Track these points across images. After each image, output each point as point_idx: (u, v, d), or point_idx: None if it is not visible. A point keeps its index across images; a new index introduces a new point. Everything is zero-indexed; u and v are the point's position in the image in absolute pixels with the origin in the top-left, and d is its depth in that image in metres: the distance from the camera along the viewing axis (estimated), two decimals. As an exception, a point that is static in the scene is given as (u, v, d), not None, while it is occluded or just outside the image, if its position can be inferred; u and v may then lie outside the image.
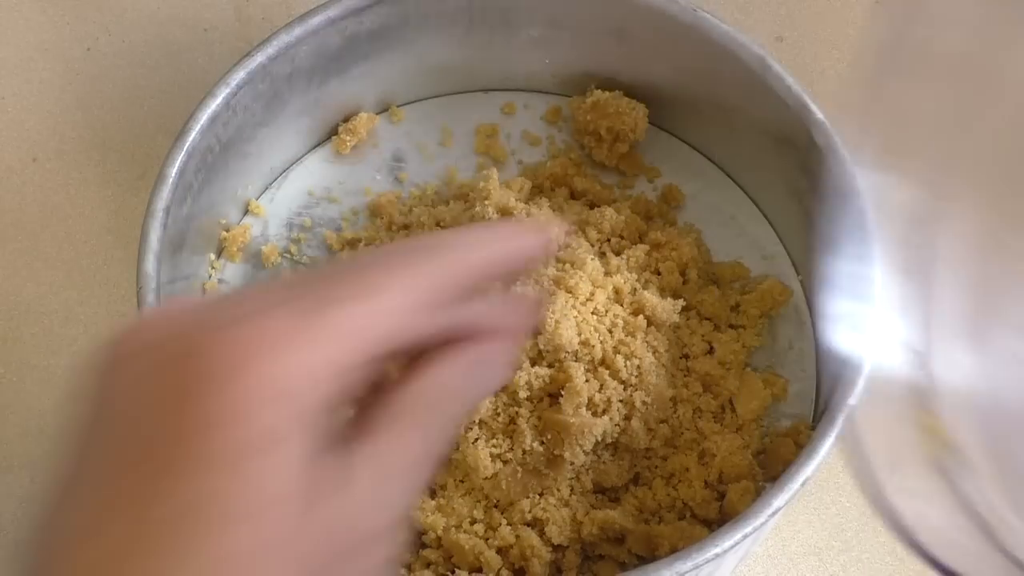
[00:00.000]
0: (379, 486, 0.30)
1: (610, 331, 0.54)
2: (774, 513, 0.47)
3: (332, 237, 0.61)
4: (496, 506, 0.53)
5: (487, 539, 0.52)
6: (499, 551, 0.52)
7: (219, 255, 0.61)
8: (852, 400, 0.49)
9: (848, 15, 0.73)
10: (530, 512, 0.53)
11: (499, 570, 0.52)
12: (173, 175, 0.54)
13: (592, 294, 0.54)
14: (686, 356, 0.57)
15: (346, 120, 0.64)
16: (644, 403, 0.54)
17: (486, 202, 0.56)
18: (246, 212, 0.62)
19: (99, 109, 0.69)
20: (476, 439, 0.52)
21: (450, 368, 0.33)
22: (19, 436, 0.61)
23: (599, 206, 0.61)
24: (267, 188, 0.63)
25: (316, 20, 0.57)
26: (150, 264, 0.52)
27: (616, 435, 0.54)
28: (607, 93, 0.63)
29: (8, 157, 0.68)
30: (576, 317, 0.53)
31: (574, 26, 0.62)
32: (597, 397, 0.53)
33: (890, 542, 0.60)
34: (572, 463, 0.53)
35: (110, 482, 0.28)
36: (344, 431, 0.30)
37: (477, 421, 0.52)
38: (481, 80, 0.65)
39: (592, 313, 0.54)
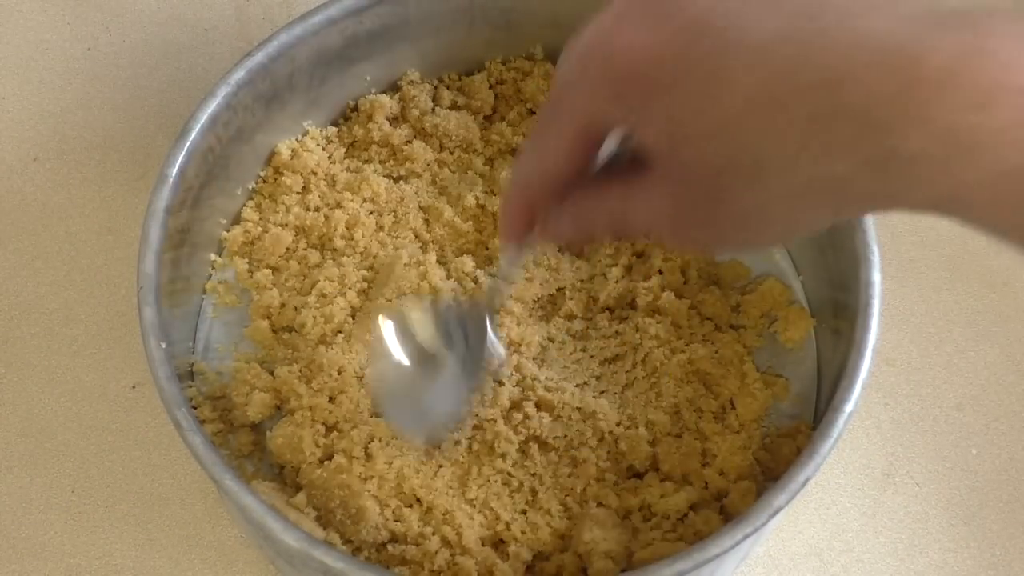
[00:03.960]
0: None
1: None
2: (775, 513, 0.47)
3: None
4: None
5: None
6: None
7: (219, 255, 0.61)
8: (852, 401, 0.49)
9: (848, 15, 0.73)
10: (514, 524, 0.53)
11: None
12: (173, 175, 0.54)
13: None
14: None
15: (346, 120, 0.64)
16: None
17: None
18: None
19: (99, 109, 0.69)
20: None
21: None
22: (19, 436, 0.61)
23: None
24: (267, 188, 0.63)
25: (316, 20, 0.58)
26: (150, 264, 0.52)
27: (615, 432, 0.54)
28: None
29: (8, 157, 0.68)
30: None
31: (574, 26, 0.61)
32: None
33: (891, 542, 0.60)
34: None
35: None
36: None
37: None
38: (481, 80, 0.66)
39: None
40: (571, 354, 0.57)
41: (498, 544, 0.53)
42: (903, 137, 0.30)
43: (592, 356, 0.57)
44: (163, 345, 0.50)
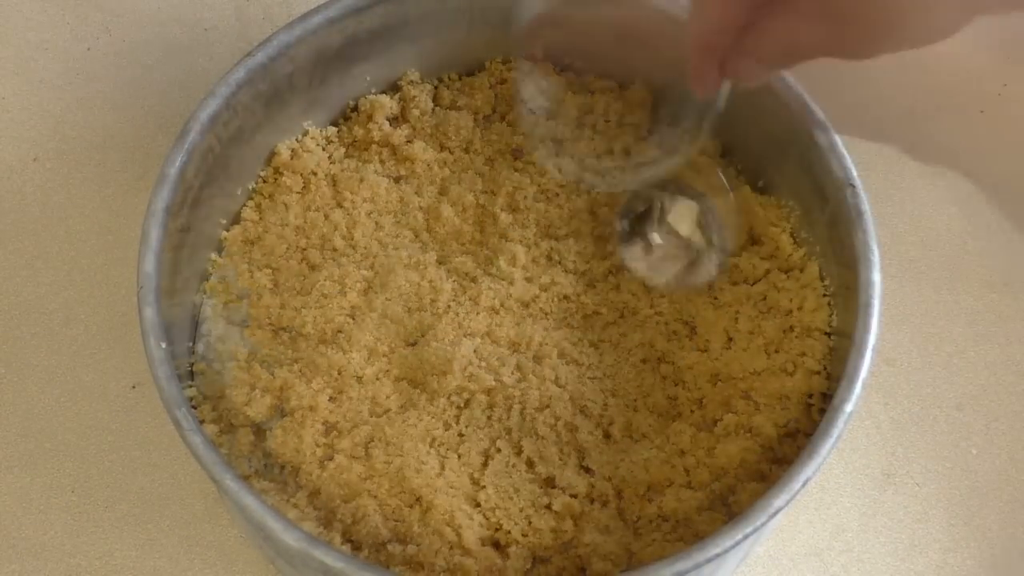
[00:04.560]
0: None
1: None
2: (775, 513, 0.47)
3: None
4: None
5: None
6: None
7: (219, 254, 0.61)
8: (852, 401, 0.49)
9: (848, 15, 0.73)
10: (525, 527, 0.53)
11: None
12: (173, 175, 0.54)
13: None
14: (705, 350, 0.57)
15: (346, 120, 0.64)
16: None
17: None
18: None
19: (99, 109, 0.69)
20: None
21: None
22: (19, 436, 0.61)
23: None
24: (267, 188, 0.63)
25: (316, 20, 0.58)
26: (150, 264, 0.52)
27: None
28: (608, 93, 0.63)
29: (8, 157, 0.68)
30: None
31: (574, 26, 0.61)
32: None
33: (891, 542, 0.60)
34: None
35: None
36: None
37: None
38: (481, 80, 0.66)
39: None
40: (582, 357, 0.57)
41: (498, 544, 0.53)
42: None
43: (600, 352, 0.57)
44: (163, 345, 0.50)
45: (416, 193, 0.62)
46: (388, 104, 0.62)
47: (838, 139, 0.55)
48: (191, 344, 0.59)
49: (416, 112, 0.62)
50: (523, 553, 0.52)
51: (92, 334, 0.63)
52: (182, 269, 0.56)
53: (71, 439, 0.61)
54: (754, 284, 0.58)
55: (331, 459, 0.54)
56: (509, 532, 0.53)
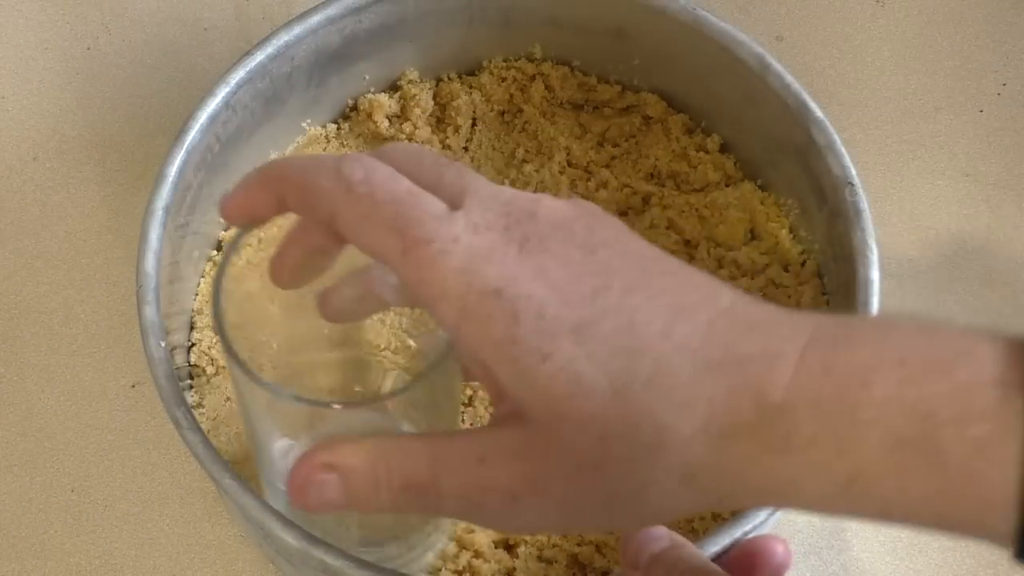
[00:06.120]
0: None
1: None
2: (774, 512, 0.47)
3: None
4: None
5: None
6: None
7: (220, 253, 0.61)
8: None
9: (848, 15, 0.73)
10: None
11: None
12: (173, 174, 0.54)
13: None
14: None
15: (345, 119, 0.64)
16: None
17: None
18: (246, 211, 0.62)
19: (99, 108, 0.69)
20: None
21: None
22: (19, 436, 0.61)
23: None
24: (267, 187, 0.63)
25: (315, 19, 0.58)
26: (150, 263, 0.52)
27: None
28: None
29: (8, 156, 0.68)
30: None
31: (574, 26, 0.62)
32: None
33: (890, 541, 0.59)
34: None
35: None
36: None
37: None
38: (481, 79, 0.66)
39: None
40: None
41: (508, 546, 0.53)
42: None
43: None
44: (163, 344, 0.50)
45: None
46: (387, 103, 0.62)
47: (837, 138, 0.55)
48: (191, 345, 0.59)
49: (417, 111, 0.63)
50: (531, 553, 0.52)
51: (92, 333, 0.63)
52: (182, 268, 0.57)
53: (71, 438, 0.61)
54: (753, 278, 0.58)
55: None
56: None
